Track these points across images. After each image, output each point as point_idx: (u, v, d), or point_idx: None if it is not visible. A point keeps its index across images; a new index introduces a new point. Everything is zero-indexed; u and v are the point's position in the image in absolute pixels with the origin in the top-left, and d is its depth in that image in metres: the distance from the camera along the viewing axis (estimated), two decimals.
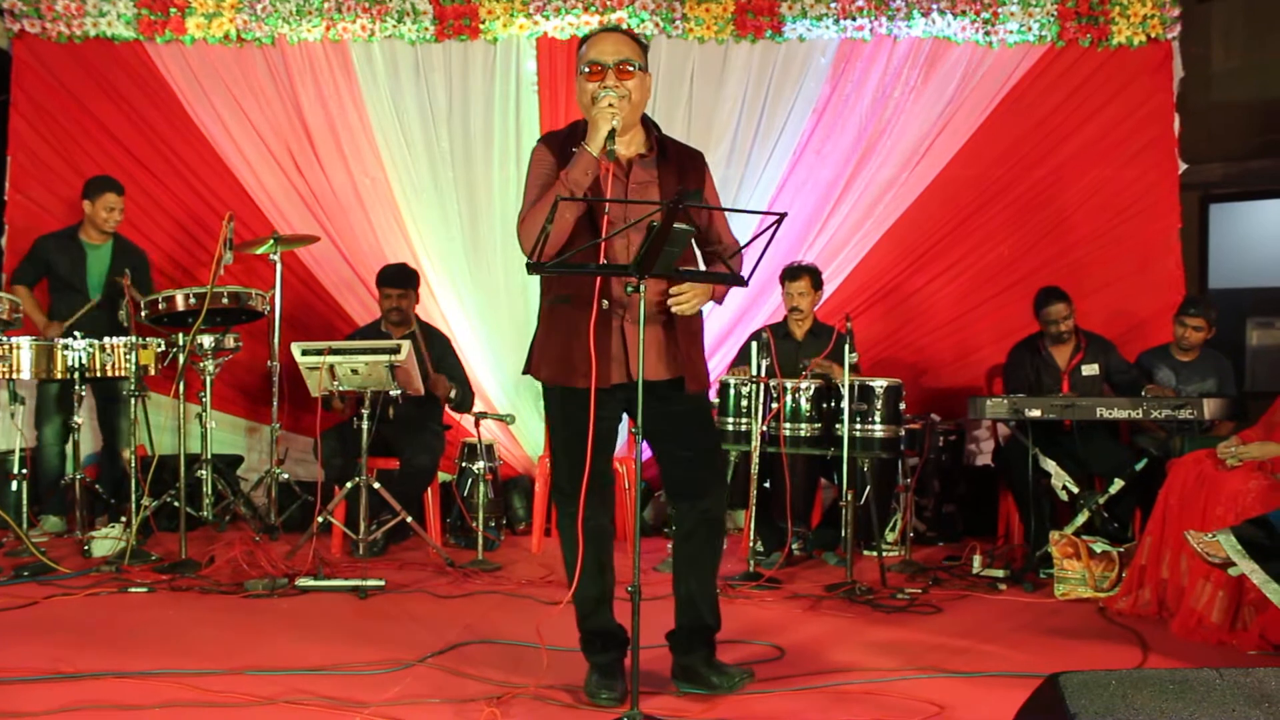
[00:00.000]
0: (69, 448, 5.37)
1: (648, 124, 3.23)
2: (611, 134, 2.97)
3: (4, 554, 5.00)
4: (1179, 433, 5.07)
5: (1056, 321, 5.46)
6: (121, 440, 5.72)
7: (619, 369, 3.09)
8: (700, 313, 3.29)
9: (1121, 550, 4.57)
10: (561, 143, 3.17)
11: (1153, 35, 6.39)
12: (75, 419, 5.20)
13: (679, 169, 3.20)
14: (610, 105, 2.97)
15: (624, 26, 3.23)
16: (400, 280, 5.70)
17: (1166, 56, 6.43)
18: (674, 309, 3.10)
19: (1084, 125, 6.45)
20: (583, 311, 3.04)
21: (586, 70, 3.07)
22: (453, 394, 5.56)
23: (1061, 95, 6.42)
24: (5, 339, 5.00)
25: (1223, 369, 5.58)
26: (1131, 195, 6.46)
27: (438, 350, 5.71)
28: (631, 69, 3.06)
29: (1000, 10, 6.35)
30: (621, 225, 3.05)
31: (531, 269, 2.93)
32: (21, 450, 5.15)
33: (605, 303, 3.04)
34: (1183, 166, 6.46)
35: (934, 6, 6.35)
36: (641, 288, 2.87)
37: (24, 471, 5.13)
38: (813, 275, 5.58)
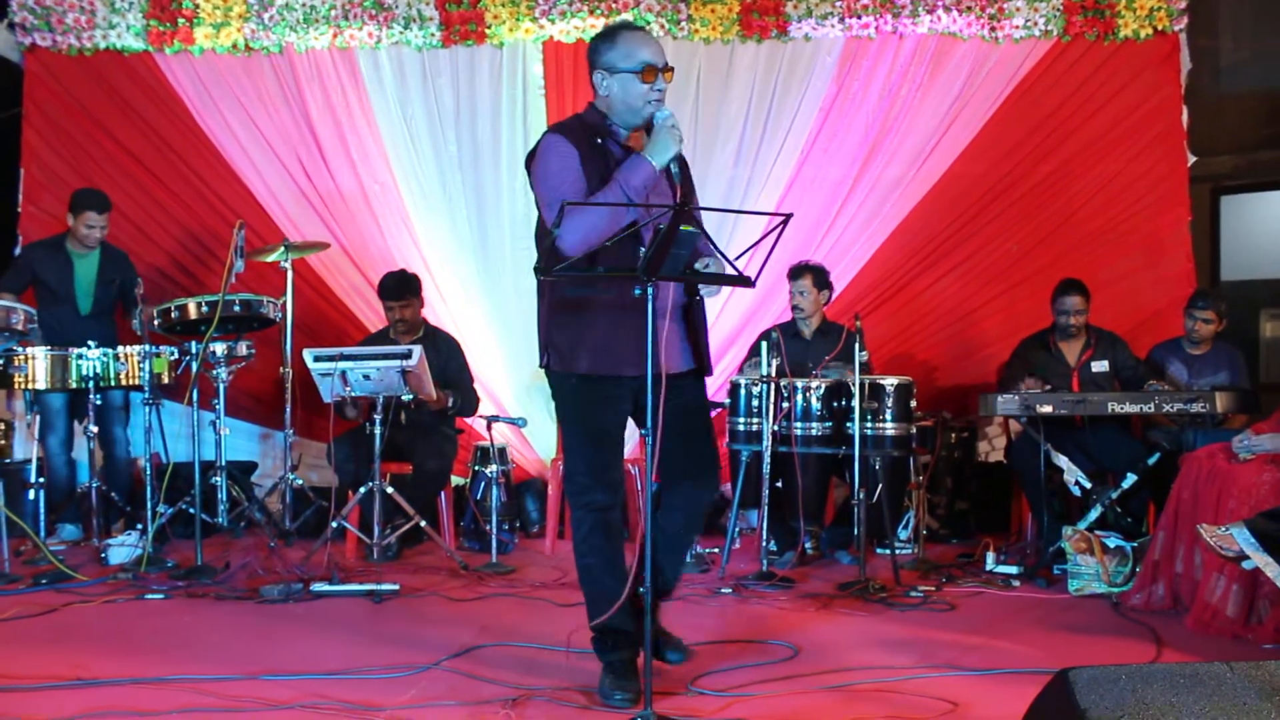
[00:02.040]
0: (75, 455, 5.39)
1: None
2: (676, 156, 3.07)
3: (22, 562, 5.04)
4: (1191, 426, 5.05)
5: (1070, 313, 5.44)
6: (120, 447, 5.74)
7: (640, 362, 3.01)
8: (704, 303, 3.38)
9: (1135, 545, 4.56)
10: (579, 133, 3.16)
11: (1159, 28, 6.37)
12: (92, 427, 5.24)
13: (681, 164, 3.21)
14: (674, 127, 3.06)
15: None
16: (397, 292, 5.70)
17: (1174, 49, 6.41)
18: None
19: (1091, 119, 6.43)
20: (608, 305, 3.10)
21: (639, 70, 3.07)
22: (450, 402, 5.56)
23: (1068, 90, 6.40)
24: (21, 349, 5.04)
25: (1235, 361, 5.56)
26: (1141, 189, 6.44)
27: (445, 355, 5.73)
28: (672, 71, 3.14)
29: (1006, 6, 6.34)
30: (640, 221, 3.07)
31: (540, 272, 2.97)
32: (38, 459, 5.18)
33: (636, 291, 2.92)
34: (1192, 159, 6.44)
35: (939, 3, 6.34)
36: (650, 291, 2.89)
37: (41, 480, 5.17)
38: (816, 274, 5.57)
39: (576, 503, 3.24)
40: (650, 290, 2.89)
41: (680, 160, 3.18)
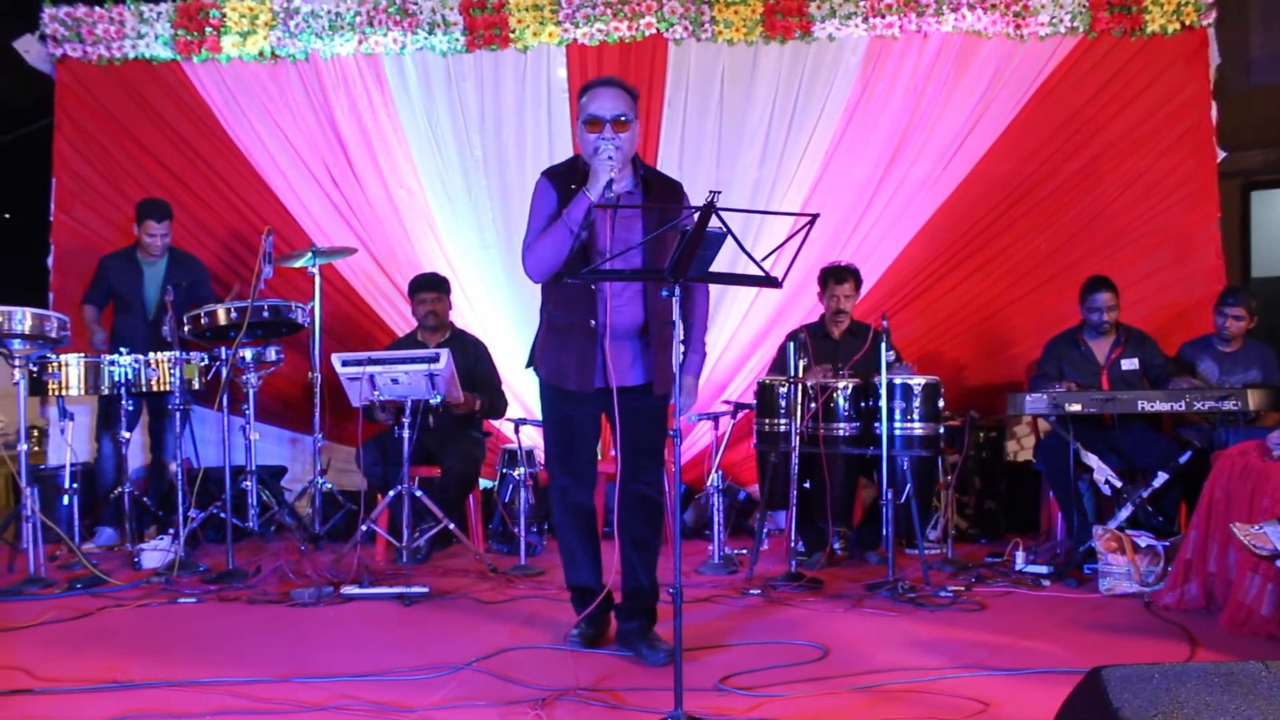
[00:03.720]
0: (125, 455, 5.47)
1: (634, 161, 3.66)
2: (609, 183, 3.39)
3: (58, 567, 5.10)
4: (1223, 424, 5.00)
5: (1101, 310, 5.40)
6: (168, 453, 5.82)
7: (601, 376, 3.58)
8: (674, 324, 3.59)
9: (1167, 544, 4.52)
10: (562, 177, 3.61)
11: (1187, 22, 6.31)
12: (123, 433, 5.30)
13: (661, 200, 3.62)
14: (609, 158, 3.39)
15: (617, 79, 3.67)
16: (433, 284, 5.79)
17: (1202, 43, 6.35)
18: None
19: (1119, 116, 6.38)
20: (571, 329, 3.56)
21: (586, 121, 3.51)
22: (478, 405, 5.59)
23: (1095, 87, 6.35)
24: (54, 356, 5.10)
25: (1267, 358, 5.51)
26: (1169, 185, 6.38)
27: (472, 357, 5.76)
28: (625, 121, 3.49)
29: (1031, 3, 6.30)
30: (612, 250, 3.46)
31: (566, 277, 3.07)
32: (73, 465, 5.25)
33: (593, 322, 3.52)
34: (1221, 154, 6.37)
35: (964, 2, 6.31)
36: (677, 292, 2.92)
37: (75, 486, 5.22)
38: (856, 277, 5.60)
39: (551, 484, 3.77)
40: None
41: (660, 191, 3.64)
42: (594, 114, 3.50)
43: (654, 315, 3.59)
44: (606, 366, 3.51)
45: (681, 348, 3.70)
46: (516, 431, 5.44)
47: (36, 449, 6.41)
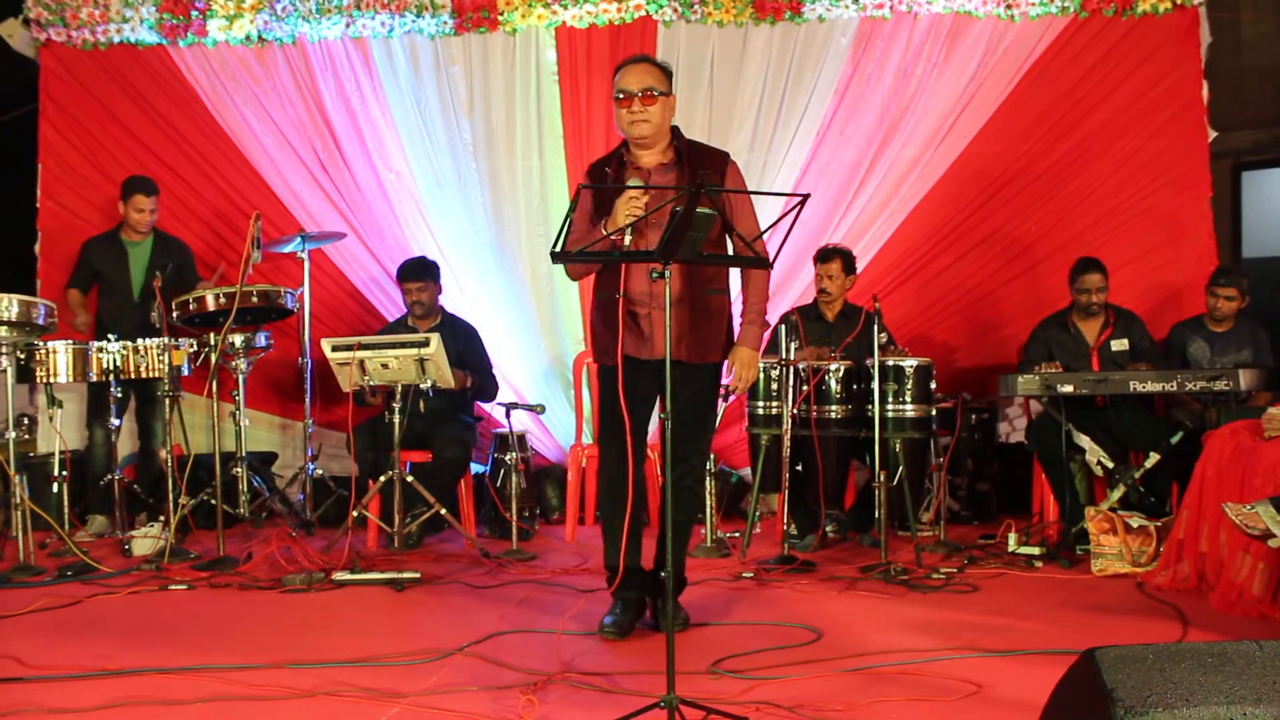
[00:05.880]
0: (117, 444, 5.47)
1: (674, 132, 3.69)
2: (628, 228, 3.27)
3: (48, 555, 5.08)
4: (1215, 405, 5.01)
5: (1090, 291, 5.40)
6: (156, 440, 5.79)
7: (646, 349, 3.62)
8: (727, 293, 3.71)
9: (1159, 524, 4.53)
10: (596, 166, 3.73)
11: (1178, 2, 6.28)
12: (114, 420, 5.27)
13: (696, 171, 3.51)
14: (633, 201, 3.33)
15: (649, 56, 3.74)
16: (416, 273, 5.74)
17: (1193, 22, 6.32)
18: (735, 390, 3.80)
19: (1110, 96, 6.35)
20: (609, 304, 3.55)
21: (619, 97, 3.58)
22: (469, 382, 5.57)
23: (1086, 67, 6.32)
24: (42, 343, 5.07)
25: (1258, 339, 5.51)
26: (1160, 165, 6.37)
27: (463, 341, 5.74)
28: (654, 95, 3.56)
29: None
30: (645, 225, 3.41)
31: (556, 258, 3.09)
32: (61, 453, 5.22)
33: (617, 295, 3.51)
34: (1212, 134, 6.35)
35: None
36: (666, 273, 2.91)
37: (64, 474, 5.20)
38: (845, 258, 5.56)
39: (600, 460, 3.78)
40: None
41: (694, 162, 3.56)
42: (622, 89, 3.58)
43: (694, 282, 3.57)
44: (652, 338, 3.57)
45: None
46: (508, 416, 5.43)
47: (26, 437, 6.38)
